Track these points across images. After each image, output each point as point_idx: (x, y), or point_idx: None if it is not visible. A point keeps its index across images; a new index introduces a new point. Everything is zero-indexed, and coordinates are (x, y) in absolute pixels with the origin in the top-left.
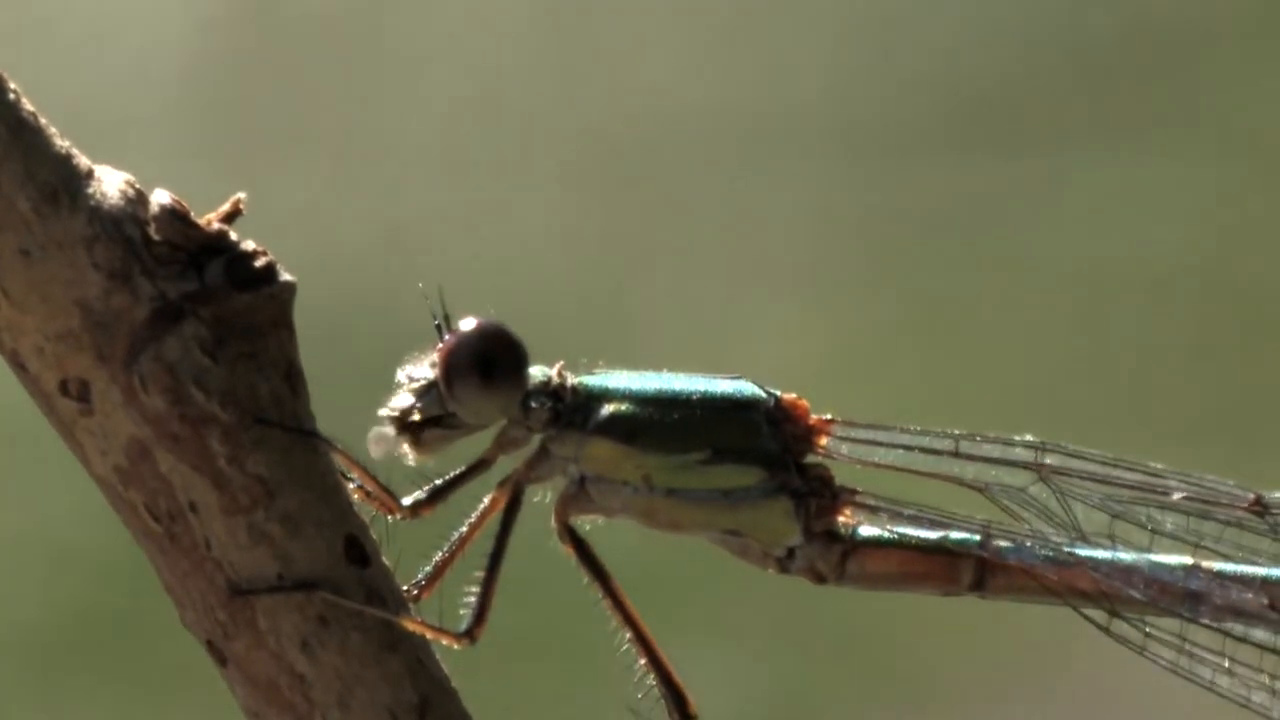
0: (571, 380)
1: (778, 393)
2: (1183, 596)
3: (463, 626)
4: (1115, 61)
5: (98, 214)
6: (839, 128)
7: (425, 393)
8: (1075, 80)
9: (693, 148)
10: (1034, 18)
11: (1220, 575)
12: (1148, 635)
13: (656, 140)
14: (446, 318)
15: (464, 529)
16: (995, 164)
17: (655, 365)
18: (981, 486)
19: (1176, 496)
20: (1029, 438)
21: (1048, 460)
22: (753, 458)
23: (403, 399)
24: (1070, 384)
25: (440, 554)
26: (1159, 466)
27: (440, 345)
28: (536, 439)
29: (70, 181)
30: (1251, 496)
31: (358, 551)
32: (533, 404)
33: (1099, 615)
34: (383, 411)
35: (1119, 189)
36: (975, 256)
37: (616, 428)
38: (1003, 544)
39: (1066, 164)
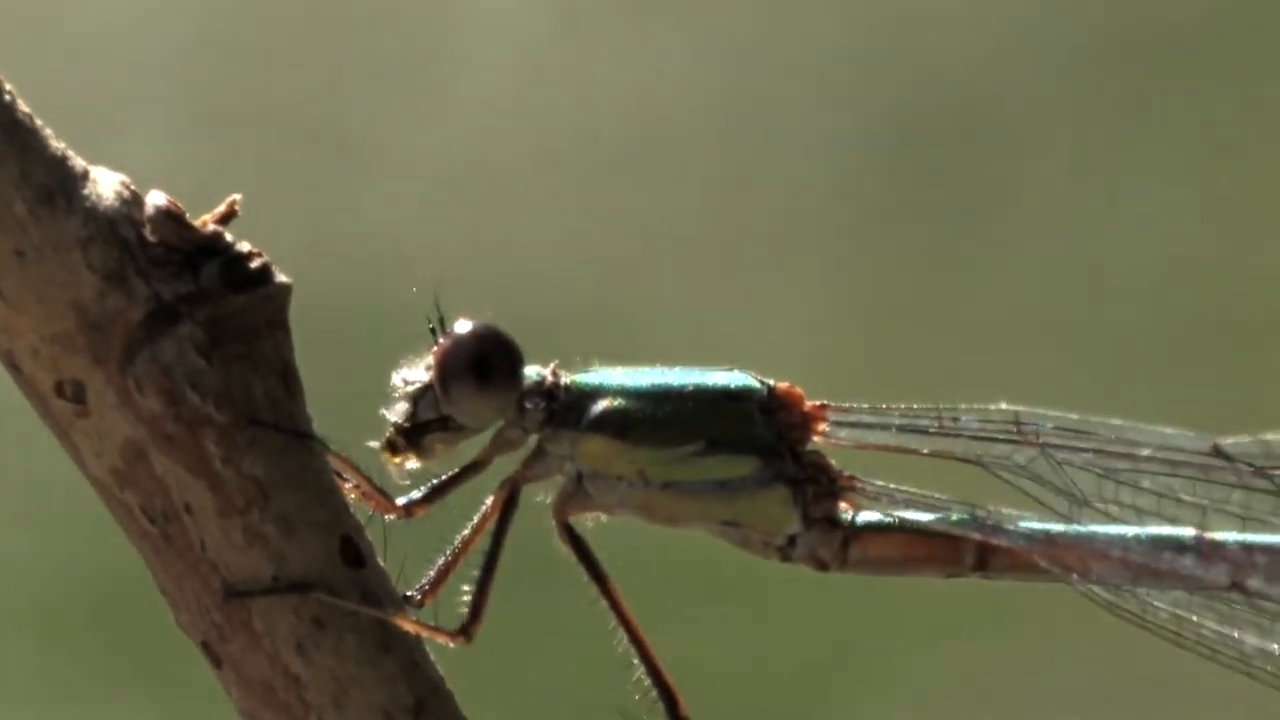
0: (565, 379)
1: (771, 382)
2: (1187, 570)
3: (458, 625)
4: (1117, 60)
5: (93, 215)
6: (839, 125)
7: (421, 396)
8: (1078, 80)
9: (692, 144)
10: (1034, 19)
11: (1223, 545)
12: (1151, 606)
13: (655, 136)
14: (441, 320)
15: (466, 532)
16: (990, 164)
17: (656, 360)
18: (980, 462)
19: (1146, 452)
20: (1020, 408)
21: (1042, 428)
22: (747, 448)
23: (399, 404)
24: (1061, 371)
25: (443, 558)
26: (1118, 422)
27: (435, 348)
28: (533, 439)
29: (66, 183)
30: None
31: (353, 552)
32: (528, 405)
33: (1101, 590)
34: (381, 437)
35: (1107, 188)
36: (969, 249)
37: (609, 423)
38: (1003, 523)
39: (1060, 165)
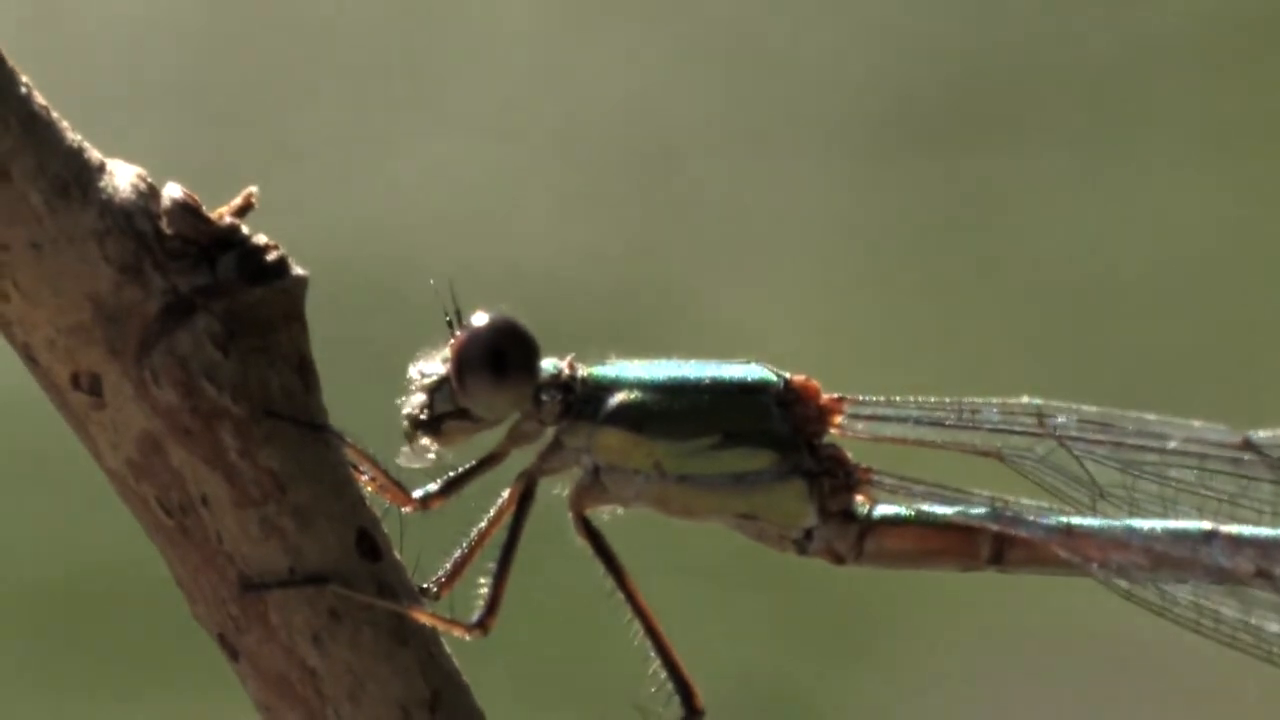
0: (582, 372)
1: (788, 375)
2: (1204, 564)
3: (474, 618)
4: (1105, 65)
5: (109, 208)
6: (839, 127)
7: (438, 389)
8: (1072, 83)
9: (699, 145)
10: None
11: (1238, 540)
12: (1168, 597)
13: (659, 138)
14: (458, 313)
15: (483, 524)
16: (986, 162)
17: (665, 357)
18: (998, 454)
19: (1172, 445)
20: (1038, 401)
21: (1059, 421)
22: (764, 441)
23: (416, 396)
24: (1057, 365)
25: (459, 550)
26: (1152, 417)
27: (452, 341)
28: (549, 432)
29: (82, 175)
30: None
31: (369, 545)
32: (544, 397)
33: (1119, 582)
34: (402, 419)
35: (1100, 187)
36: (969, 248)
37: (626, 416)
38: (1020, 516)
39: (1054, 164)
